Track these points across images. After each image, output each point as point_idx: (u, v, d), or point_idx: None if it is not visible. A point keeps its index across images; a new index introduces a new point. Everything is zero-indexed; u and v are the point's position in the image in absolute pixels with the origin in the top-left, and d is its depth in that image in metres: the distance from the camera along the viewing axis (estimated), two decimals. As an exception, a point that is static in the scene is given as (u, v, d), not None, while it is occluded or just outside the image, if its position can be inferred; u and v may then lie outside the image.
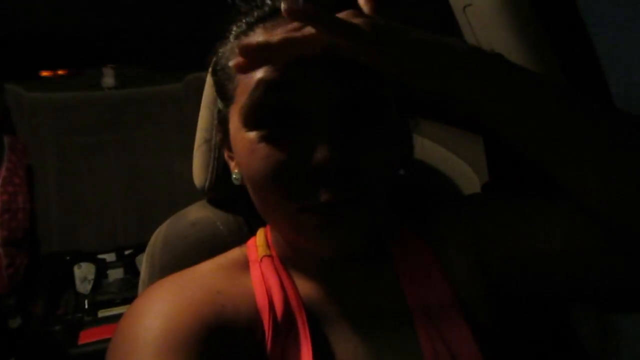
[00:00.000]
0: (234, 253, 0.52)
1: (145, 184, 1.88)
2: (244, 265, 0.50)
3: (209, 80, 0.59)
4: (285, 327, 0.45)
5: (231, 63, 0.40)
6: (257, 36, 0.44)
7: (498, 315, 0.51)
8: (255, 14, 0.45)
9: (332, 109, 0.40)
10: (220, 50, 0.50)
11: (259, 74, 0.41)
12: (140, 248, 1.67)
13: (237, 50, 0.39)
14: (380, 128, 0.43)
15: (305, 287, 0.49)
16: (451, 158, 1.07)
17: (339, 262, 0.48)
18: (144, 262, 0.63)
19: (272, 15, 0.44)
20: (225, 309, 0.44)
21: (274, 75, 0.40)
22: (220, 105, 0.50)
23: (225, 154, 0.53)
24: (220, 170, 0.60)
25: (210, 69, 0.54)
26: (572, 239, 0.46)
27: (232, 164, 0.51)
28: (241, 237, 0.58)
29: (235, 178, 0.50)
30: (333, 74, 0.40)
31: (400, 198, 0.51)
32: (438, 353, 0.45)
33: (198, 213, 0.64)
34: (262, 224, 0.56)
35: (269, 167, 0.41)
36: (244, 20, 0.47)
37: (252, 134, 0.42)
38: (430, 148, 1.05)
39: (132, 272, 1.62)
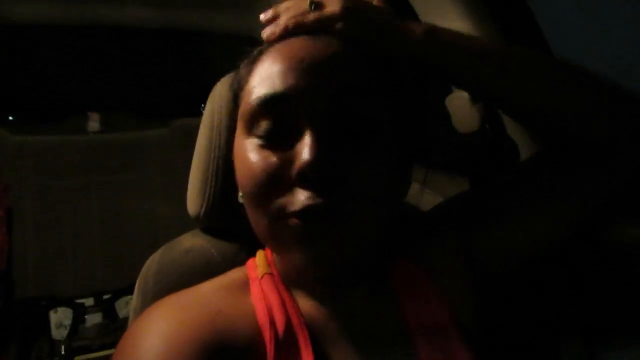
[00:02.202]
0: (234, 273, 0.52)
1: (127, 228, 1.85)
2: (244, 283, 0.50)
3: (210, 105, 0.61)
4: (287, 345, 0.44)
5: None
6: (269, 53, 0.47)
7: (492, 341, 0.52)
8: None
9: (323, 122, 0.42)
10: (242, 64, 0.52)
11: (263, 87, 0.44)
12: (120, 292, 1.63)
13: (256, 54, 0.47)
14: (371, 148, 0.44)
15: (307, 305, 0.49)
16: (438, 200, 1.10)
17: (340, 281, 0.49)
18: (135, 291, 0.62)
19: (285, 37, 0.47)
20: (225, 329, 0.44)
21: (276, 89, 0.43)
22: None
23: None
24: (216, 198, 0.60)
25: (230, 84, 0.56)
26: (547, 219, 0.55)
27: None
28: (236, 264, 0.57)
29: (240, 196, 0.50)
30: (327, 90, 0.43)
31: (402, 227, 0.53)
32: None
33: (191, 241, 0.64)
34: (260, 248, 0.56)
35: (256, 173, 0.43)
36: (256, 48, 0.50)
37: (250, 142, 0.45)
38: (419, 192, 1.08)
39: (111, 316, 1.56)
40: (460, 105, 0.79)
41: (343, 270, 0.46)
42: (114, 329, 1.49)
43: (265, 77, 0.44)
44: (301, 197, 0.41)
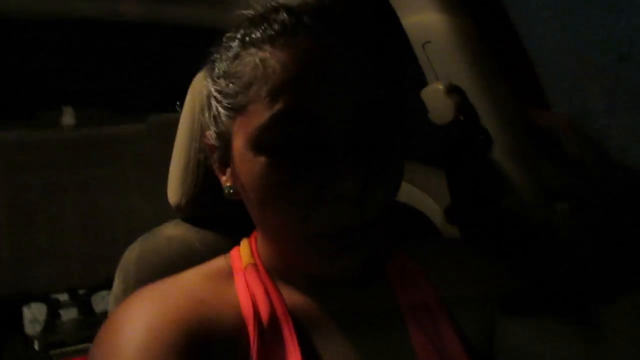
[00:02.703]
0: (217, 262, 0.52)
1: (103, 223, 1.83)
2: (228, 273, 0.50)
3: (190, 96, 0.62)
4: (272, 335, 0.44)
5: None
6: (266, 54, 0.42)
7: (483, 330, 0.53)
8: (263, 30, 0.43)
9: (351, 139, 0.41)
10: (220, 54, 0.47)
11: (281, 101, 0.40)
12: (96, 288, 1.61)
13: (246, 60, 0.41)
14: (390, 159, 0.44)
15: (292, 296, 0.49)
16: (414, 191, 1.12)
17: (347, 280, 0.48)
18: (116, 279, 0.62)
19: (282, 35, 0.42)
20: (209, 318, 0.43)
21: (297, 104, 0.40)
22: (221, 115, 0.47)
23: (216, 168, 0.51)
24: (197, 187, 0.61)
25: (207, 75, 0.51)
26: None
27: (223, 178, 0.50)
28: (217, 252, 0.57)
29: (228, 192, 0.50)
30: (352, 105, 0.41)
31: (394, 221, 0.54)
32: (430, 356, 0.47)
33: (173, 230, 0.64)
34: (246, 236, 0.56)
35: (284, 193, 0.41)
36: (251, 31, 0.44)
37: (263, 158, 0.41)
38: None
39: (87, 312, 1.54)
40: (434, 97, 0.81)
41: (360, 273, 0.45)
42: (91, 324, 1.48)
43: (278, 88, 0.40)
44: (339, 219, 0.40)
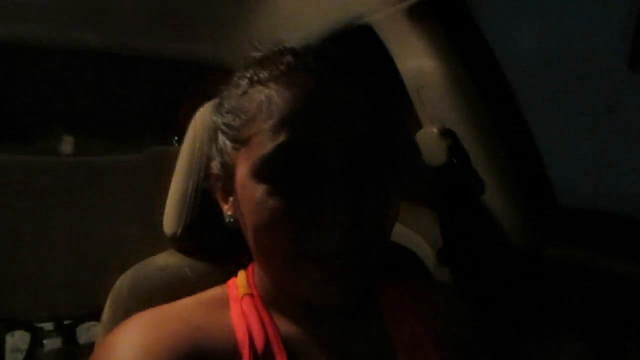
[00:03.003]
0: (215, 291, 0.53)
1: (94, 253, 1.81)
2: (224, 302, 0.51)
3: (192, 130, 0.63)
4: None
5: None
6: (271, 91, 0.46)
7: None
8: (270, 70, 0.47)
9: (347, 170, 0.43)
10: (230, 92, 0.51)
11: (283, 133, 0.43)
12: (83, 318, 1.58)
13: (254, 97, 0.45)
14: (384, 189, 0.46)
15: (287, 326, 0.49)
16: (406, 231, 1.13)
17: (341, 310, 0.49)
18: (106, 308, 0.62)
19: (286, 74, 0.46)
20: (203, 344, 0.44)
21: (299, 137, 0.43)
22: (227, 147, 0.50)
23: (219, 197, 0.54)
24: (194, 219, 0.62)
25: (216, 110, 0.54)
26: None
27: (225, 207, 0.53)
28: (210, 283, 0.58)
29: (229, 221, 0.52)
30: (349, 139, 0.44)
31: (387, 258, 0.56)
32: None
33: (166, 259, 0.64)
34: (237, 268, 0.57)
35: (280, 219, 0.43)
36: (259, 71, 0.48)
37: (264, 186, 0.44)
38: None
39: (72, 343, 1.51)
40: (428, 140, 0.84)
41: (353, 303, 0.46)
42: (74, 356, 1.44)
43: (282, 122, 0.43)
44: (331, 243, 0.42)
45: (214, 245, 0.65)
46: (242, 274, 0.55)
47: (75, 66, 1.90)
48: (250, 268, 0.56)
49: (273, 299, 0.51)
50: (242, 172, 0.46)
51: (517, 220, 0.80)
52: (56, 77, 1.90)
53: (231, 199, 0.52)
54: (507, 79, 0.79)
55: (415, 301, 0.57)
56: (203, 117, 0.64)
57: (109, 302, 0.62)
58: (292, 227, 0.43)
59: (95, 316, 1.61)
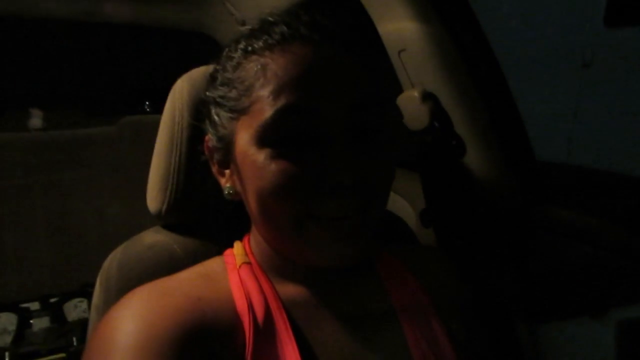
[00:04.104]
0: (212, 262, 0.54)
1: (74, 229, 1.78)
2: (223, 272, 0.51)
3: (170, 103, 0.62)
4: (267, 330, 0.46)
5: None
6: (267, 60, 0.46)
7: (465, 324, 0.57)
8: (264, 40, 0.48)
9: (346, 132, 0.45)
10: (222, 65, 0.51)
11: (283, 98, 0.44)
12: (68, 295, 1.57)
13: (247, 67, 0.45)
14: (383, 150, 0.47)
15: (287, 291, 0.51)
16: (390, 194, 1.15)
17: (324, 269, 0.50)
18: (96, 288, 0.61)
19: (281, 43, 0.47)
20: (205, 315, 0.45)
21: (298, 100, 0.44)
22: (222, 119, 0.50)
23: (215, 170, 0.54)
24: (178, 194, 0.61)
25: (208, 84, 0.55)
26: None
27: (222, 180, 0.53)
28: (199, 259, 0.58)
29: (228, 193, 0.52)
30: (347, 102, 0.45)
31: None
32: (422, 349, 0.49)
33: (154, 237, 0.64)
34: (227, 242, 0.57)
35: (285, 180, 0.44)
36: (252, 42, 0.48)
37: (267, 150, 0.45)
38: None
39: (60, 320, 1.50)
40: (410, 104, 0.83)
41: (354, 263, 0.48)
42: (63, 333, 1.44)
43: (281, 87, 0.44)
44: (335, 203, 0.44)
45: (200, 221, 0.64)
46: (237, 244, 0.56)
47: (41, 36, 1.82)
48: (246, 238, 0.57)
49: (272, 266, 0.52)
50: (243, 140, 0.47)
51: (498, 180, 0.82)
52: (21, 47, 1.81)
53: (228, 171, 0.52)
54: (487, 40, 0.79)
55: (410, 265, 0.58)
56: (181, 89, 0.62)
57: (98, 282, 0.61)
58: (295, 189, 0.44)
59: (82, 292, 1.60)
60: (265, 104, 0.44)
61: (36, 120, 1.92)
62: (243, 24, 1.48)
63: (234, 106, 0.48)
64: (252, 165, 0.46)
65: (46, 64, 1.93)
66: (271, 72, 0.45)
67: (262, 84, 0.45)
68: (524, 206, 0.81)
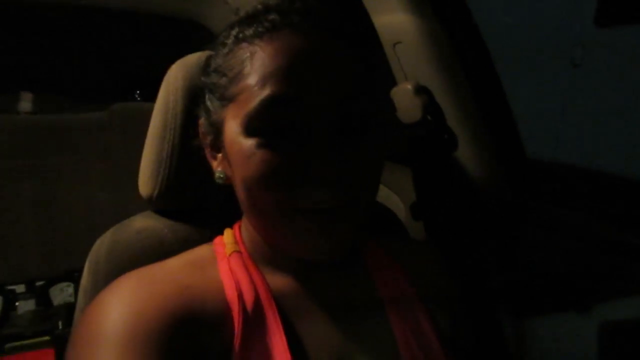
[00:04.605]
0: (201, 249, 0.53)
1: (62, 214, 1.77)
2: (212, 260, 0.51)
3: (164, 88, 0.61)
4: (256, 319, 0.46)
5: None
6: (255, 48, 0.46)
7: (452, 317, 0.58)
8: (255, 27, 0.47)
9: (332, 123, 0.44)
10: (216, 51, 0.51)
11: (269, 88, 0.43)
12: (55, 279, 1.56)
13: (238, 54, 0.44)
14: (370, 141, 0.47)
15: (277, 281, 0.50)
16: (380, 188, 1.15)
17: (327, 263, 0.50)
18: (85, 271, 0.61)
19: (271, 31, 0.46)
20: (194, 303, 0.45)
21: (284, 90, 0.43)
22: (213, 105, 0.50)
23: (208, 153, 0.54)
24: (170, 180, 0.61)
25: (202, 70, 0.55)
26: None
27: (214, 163, 0.53)
28: (190, 245, 0.58)
29: (218, 177, 0.52)
30: (334, 93, 0.44)
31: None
32: (409, 341, 0.50)
33: (143, 222, 0.64)
34: (218, 229, 0.57)
35: (269, 170, 0.43)
36: (243, 29, 0.48)
37: (253, 140, 0.44)
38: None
39: (45, 304, 1.50)
40: (403, 97, 0.84)
41: (342, 255, 0.48)
42: (48, 316, 1.43)
43: (267, 76, 0.44)
44: (321, 193, 0.43)
45: (192, 207, 0.64)
46: (228, 232, 0.55)
47: (33, 19, 1.79)
48: (236, 225, 0.56)
49: (262, 255, 0.52)
50: (231, 128, 0.47)
51: (488, 175, 0.83)
52: (11, 30, 1.78)
53: (220, 155, 0.52)
54: (481, 35, 0.79)
55: (398, 257, 0.59)
56: (175, 75, 0.62)
57: (87, 266, 0.61)
58: (279, 180, 0.44)
59: (68, 277, 1.59)
60: (252, 93, 0.44)
61: (26, 103, 1.90)
62: (237, 12, 1.47)
63: (223, 94, 0.48)
64: (239, 154, 0.46)
65: (38, 48, 1.90)
66: (259, 61, 0.45)
67: (249, 72, 0.45)
68: (513, 201, 0.82)
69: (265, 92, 0.43)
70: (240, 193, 0.48)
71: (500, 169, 0.82)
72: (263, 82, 0.44)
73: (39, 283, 1.57)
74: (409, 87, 0.82)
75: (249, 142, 0.44)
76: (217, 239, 0.55)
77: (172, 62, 0.64)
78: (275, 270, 0.52)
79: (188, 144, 0.60)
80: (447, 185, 0.87)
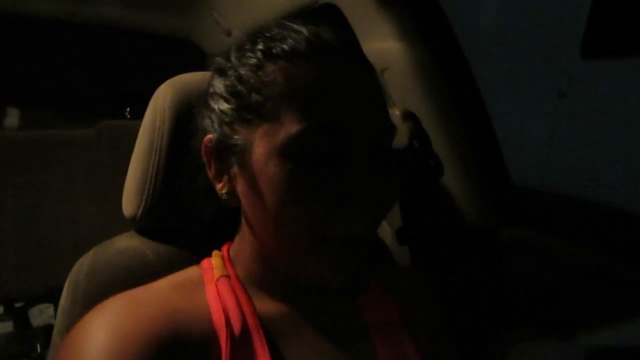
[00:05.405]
0: (189, 272, 0.52)
1: (45, 232, 1.73)
2: (199, 283, 0.50)
3: (152, 107, 0.61)
4: (243, 346, 0.45)
5: None
6: (296, 68, 0.44)
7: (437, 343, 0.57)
8: (290, 44, 0.45)
9: (372, 154, 0.44)
10: (235, 64, 0.48)
11: (315, 114, 0.42)
12: (34, 300, 1.53)
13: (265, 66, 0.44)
14: (394, 171, 0.48)
15: (264, 305, 0.50)
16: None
17: (305, 286, 0.49)
18: (64, 291, 0.60)
19: (309, 50, 0.44)
20: (180, 328, 0.43)
21: (331, 119, 0.42)
22: (235, 123, 0.47)
23: (212, 173, 0.51)
24: (155, 199, 0.60)
25: (218, 83, 0.50)
26: None
27: (219, 185, 0.50)
28: (172, 266, 0.57)
29: (225, 199, 0.50)
30: (375, 124, 0.45)
31: None
32: None
33: (126, 242, 0.63)
34: (201, 250, 0.57)
35: (309, 196, 0.42)
36: (274, 45, 0.45)
37: (288, 165, 0.42)
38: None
39: (24, 326, 1.46)
40: (391, 122, 0.85)
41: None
42: (27, 338, 1.40)
43: (312, 101, 0.42)
44: (355, 224, 0.43)
45: (176, 227, 0.64)
46: (216, 255, 0.54)
47: (20, 33, 1.79)
48: (225, 247, 0.55)
49: (251, 278, 0.51)
50: (262, 149, 0.44)
51: (473, 201, 0.83)
52: (1, 45, 1.78)
53: (226, 176, 0.50)
54: (468, 63, 0.81)
55: (383, 281, 0.59)
56: (164, 94, 0.62)
57: (66, 286, 0.60)
58: (315, 208, 0.43)
59: (48, 298, 1.56)
60: (295, 116, 0.42)
61: (12, 119, 1.88)
62: (229, 34, 1.49)
63: (255, 112, 0.45)
64: (270, 178, 0.43)
65: (25, 63, 1.89)
66: (302, 82, 0.43)
67: (292, 93, 0.43)
68: (497, 227, 0.82)
69: (312, 118, 0.42)
70: (261, 217, 0.46)
71: (486, 195, 0.83)
72: (308, 107, 0.42)
73: (18, 304, 1.53)
74: (397, 112, 0.83)
75: (285, 167, 0.43)
76: (205, 262, 0.54)
77: (164, 79, 0.64)
78: (263, 294, 0.51)
79: (174, 164, 0.60)
80: (433, 211, 0.87)
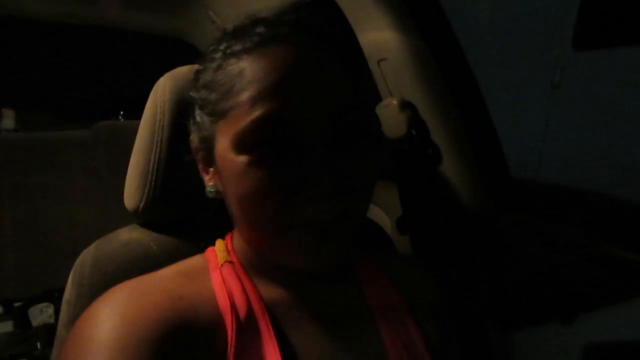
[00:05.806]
0: (193, 260, 0.53)
1: (43, 233, 1.73)
2: (204, 270, 0.51)
3: (151, 102, 0.62)
4: (249, 329, 0.46)
5: None
6: (245, 63, 0.45)
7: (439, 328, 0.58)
8: (243, 42, 0.46)
9: (325, 138, 0.44)
10: (204, 66, 0.50)
11: (260, 106, 0.43)
12: (34, 300, 1.53)
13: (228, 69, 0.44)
14: (363, 153, 0.47)
15: (269, 291, 0.50)
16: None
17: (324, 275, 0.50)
18: (69, 284, 0.60)
19: (260, 45, 0.45)
20: (186, 314, 0.44)
21: (275, 109, 0.43)
22: (204, 121, 0.49)
23: (201, 169, 0.54)
24: (157, 192, 0.61)
25: (192, 84, 0.53)
26: None
27: (206, 177, 0.53)
28: (176, 257, 0.57)
29: (209, 191, 0.52)
30: (326, 107, 0.44)
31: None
32: (399, 351, 0.50)
33: (129, 234, 0.63)
34: (204, 241, 0.57)
35: (262, 187, 0.43)
36: (232, 44, 0.47)
37: (244, 157, 0.44)
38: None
39: (24, 325, 1.45)
40: (388, 112, 0.85)
41: (337, 266, 0.48)
42: (27, 338, 1.39)
43: (257, 94, 0.43)
44: (316, 210, 0.43)
45: (178, 219, 0.64)
46: (219, 242, 0.55)
47: (16, 35, 1.78)
48: (228, 236, 0.56)
49: (254, 266, 0.52)
50: (222, 144, 0.46)
51: (472, 189, 0.84)
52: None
53: (212, 170, 0.52)
54: (464, 53, 0.82)
55: (386, 269, 0.59)
56: (163, 87, 0.62)
57: (70, 279, 0.60)
58: (273, 197, 0.43)
59: (47, 297, 1.56)
60: (243, 111, 0.44)
61: (8, 120, 1.88)
62: (225, 31, 1.48)
63: (213, 110, 0.47)
64: (230, 171, 0.45)
65: (21, 65, 1.89)
66: (249, 77, 0.44)
67: (240, 88, 0.44)
68: (496, 214, 0.83)
69: (257, 111, 0.43)
70: (233, 208, 0.48)
71: (483, 182, 0.83)
72: (254, 100, 0.43)
73: (17, 304, 1.52)
74: (394, 102, 0.83)
75: (240, 159, 0.44)
76: (209, 250, 0.55)
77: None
78: (267, 281, 0.51)
79: (175, 156, 0.60)
80: (432, 200, 0.88)
